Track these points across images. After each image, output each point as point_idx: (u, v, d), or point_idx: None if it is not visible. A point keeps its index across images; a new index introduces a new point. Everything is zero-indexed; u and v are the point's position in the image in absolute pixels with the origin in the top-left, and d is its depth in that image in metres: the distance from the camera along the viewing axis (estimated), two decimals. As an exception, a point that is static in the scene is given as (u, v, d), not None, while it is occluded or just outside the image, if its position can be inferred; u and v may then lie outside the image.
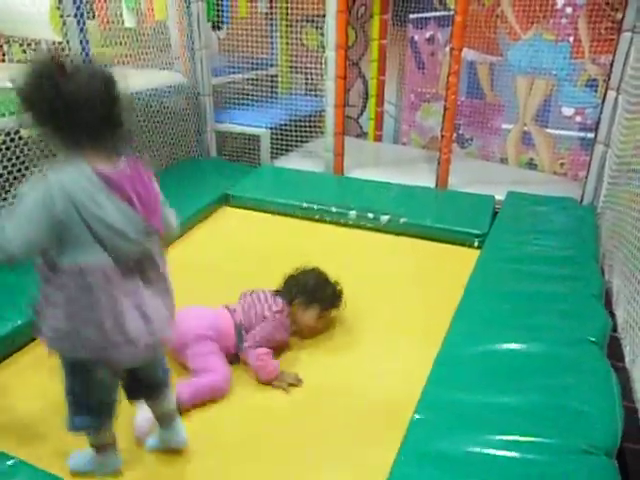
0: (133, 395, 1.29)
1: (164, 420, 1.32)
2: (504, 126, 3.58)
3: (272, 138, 3.52)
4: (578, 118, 3.28)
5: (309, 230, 2.80)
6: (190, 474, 1.36)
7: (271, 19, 3.80)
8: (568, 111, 3.30)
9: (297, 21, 3.94)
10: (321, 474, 1.35)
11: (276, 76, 4.01)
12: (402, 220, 2.71)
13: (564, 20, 3.16)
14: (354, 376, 1.70)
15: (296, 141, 3.52)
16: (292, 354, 1.78)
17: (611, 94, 2.61)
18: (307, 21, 3.95)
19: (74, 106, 0.98)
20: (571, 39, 3.17)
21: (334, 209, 2.84)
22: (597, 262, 2.19)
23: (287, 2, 3.50)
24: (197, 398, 1.53)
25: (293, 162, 3.51)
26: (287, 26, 3.94)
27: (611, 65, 2.62)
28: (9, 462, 1.25)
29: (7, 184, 2.16)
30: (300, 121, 3.48)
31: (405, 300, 2.13)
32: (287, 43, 3.96)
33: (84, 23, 2.45)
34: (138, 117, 2.96)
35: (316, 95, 3.66)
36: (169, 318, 1.16)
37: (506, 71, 3.44)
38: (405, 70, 3.90)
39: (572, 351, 1.56)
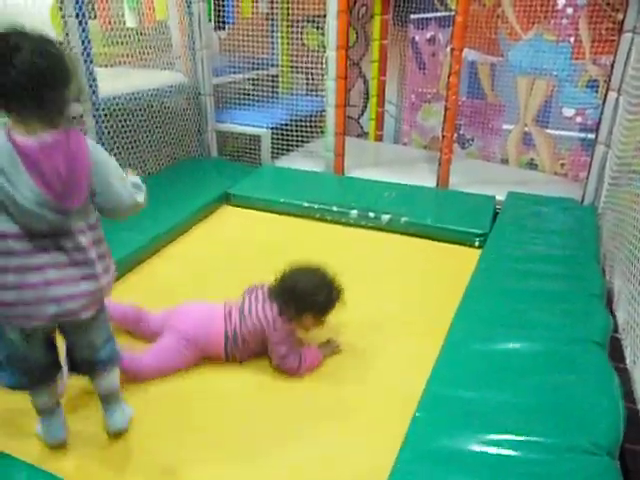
0: (72, 368, 1.32)
1: (103, 401, 1.35)
2: (505, 126, 3.58)
3: (273, 138, 3.52)
4: (579, 119, 3.28)
5: (310, 229, 2.80)
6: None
7: (272, 19, 3.80)
8: (569, 112, 3.31)
9: (298, 21, 3.94)
10: (322, 471, 1.35)
11: (277, 76, 4.01)
12: (403, 219, 2.71)
13: (565, 21, 3.16)
14: (355, 374, 1.70)
15: (297, 141, 3.52)
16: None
17: (612, 95, 2.61)
18: (308, 21, 3.95)
19: None
20: (572, 40, 3.17)
21: (335, 208, 2.84)
22: (598, 263, 2.20)
23: (288, 2, 3.51)
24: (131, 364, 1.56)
25: (294, 162, 3.51)
26: (288, 26, 3.94)
27: (612, 66, 2.62)
28: (5, 461, 1.25)
29: None
30: (301, 121, 3.49)
31: (407, 299, 2.13)
32: (288, 43, 3.96)
33: (85, 23, 2.44)
34: (139, 117, 2.96)
35: (317, 95, 3.66)
36: (85, 290, 1.16)
37: (507, 71, 3.44)
38: (406, 70, 3.90)
39: (574, 350, 1.56)
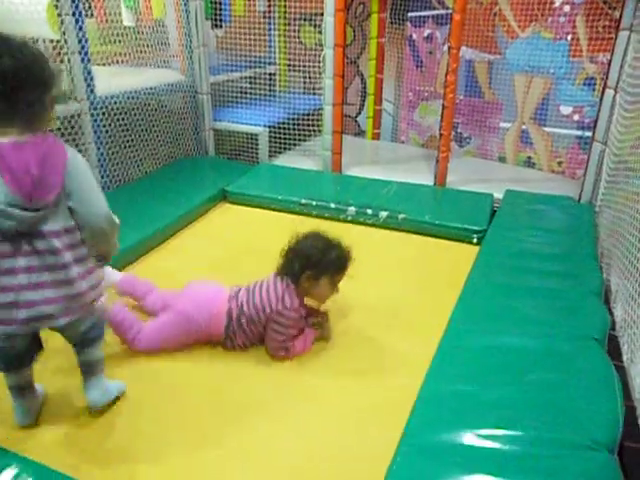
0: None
1: (82, 373, 1.36)
2: (502, 124, 3.58)
3: (270, 136, 3.52)
4: (576, 116, 3.29)
5: (307, 226, 2.79)
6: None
7: (269, 17, 3.80)
8: (566, 109, 3.31)
9: (295, 19, 3.94)
10: (320, 468, 1.35)
11: (274, 74, 4.01)
12: (401, 216, 2.71)
13: (562, 18, 3.16)
14: (353, 369, 1.70)
15: (294, 139, 3.52)
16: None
17: (609, 92, 2.62)
18: (305, 19, 3.95)
19: None
20: (569, 37, 3.18)
21: (332, 205, 2.84)
22: (596, 260, 2.20)
23: (285, 0, 3.50)
24: (112, 322, 1.59)
25: (291, 160, 3.51)
26: (285, 24, 3.93)
27: (609, 63, 2.62)
28: (6, 458, 1.25)
29: None
30: (298, 119, 3.48)
31: (405, 295, 2.14)
32: (285, 41, 3.96)
33: (82, 21, 2.44)
34: (136, 115, 2.95)
35: (314, 93, 3.66)
36: (60, 295, 1.15)
37: (504, 69, 3.45)
38: (403, 68, 3.90)
39: (573, 347, 1.57)
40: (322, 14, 2.97)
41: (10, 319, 1.13)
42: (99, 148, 2.68)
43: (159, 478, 1.30)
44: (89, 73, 2.53)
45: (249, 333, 1.70)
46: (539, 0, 3.19)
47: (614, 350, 1.69)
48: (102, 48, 2.85)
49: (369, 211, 2.77)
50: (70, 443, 1.36)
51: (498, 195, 2.94)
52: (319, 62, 3.15)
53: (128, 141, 2.93)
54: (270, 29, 3.86)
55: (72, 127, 2.53)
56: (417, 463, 1.21)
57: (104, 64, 2.92)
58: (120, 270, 2.17)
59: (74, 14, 2.39)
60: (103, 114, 2.68)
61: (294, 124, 3.48)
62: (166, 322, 1.68)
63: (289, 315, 1.66)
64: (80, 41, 2.45)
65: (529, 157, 3.55)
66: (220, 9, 3.38)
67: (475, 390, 1.42)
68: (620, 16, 2.54)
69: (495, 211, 2.77)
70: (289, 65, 3.96)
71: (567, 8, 3.13)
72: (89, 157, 2.62)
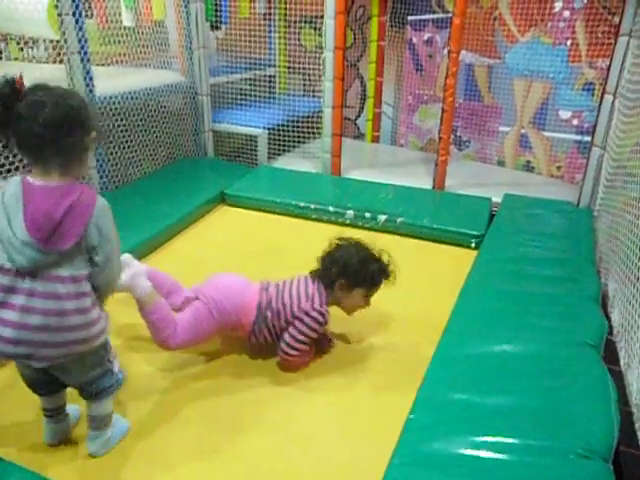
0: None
1: (88, 421, 1.36)
2: (501, 128, 3.59)
3: (269, 138, 3.52)
4: (575, 121, 3.30)
5: (306, 229, 2.80)
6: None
7: (269, 19, 3.80)
8: (565, 114, 3.32)
9: (295, 22, 3.94)
10: (316, 473, 1.35)
11: (274, 76, 4.01)
12: (399, 220, 2.71)
13: (562, 24, 3.17)
14: (349, 375, 1.70)
15: (293, 142, 3.52)
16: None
17: (608, 98, 2.62)
18: (305, 22, 3.95)
19: (18, 124, 1.09)
20: (568, 43, 3.18)
21: (331, 209, 2.84)
22: (594, 265, 2.20)
23: (286, 3, 3.50)
24: (149, 320, 1.57)
25: (290, 163, 3.51)
26: (285, 26, 3.94)
27: (608, 69, 2.63)
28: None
29: None
30: (298, 122, 3.48)
31: (402, 299, 2.12)
32: (285, 44, 3.96)
33: (82, 22, 2.44)
34: (135, 116, 2.95)
35: (314, 96, 3.66)
36: (45, 339, 1.15)
37: (504, 74, 3.45)
38: (403, 72, 3.91)
39: (569, 353, 1.56)
40: (322, 17, 2.98)
41: (6, 352, 1.16)
42: (98, 148, 2.68)
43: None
44: (88, 73, 2.53)
45: (271, 328, 1.66)
46: (539, 5, 3.19)
47: (611, 355, 1.69)
48: (102, 49, 2.85)
49: (367, 215, 2.77)
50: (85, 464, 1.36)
51: (497, 199, 2.95)
52: (319, 65, 3.15)
53: (127, 142, 2.93)
54: (270, 31, 3.86)
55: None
56: (412, 472, 1.20)
57: (104, 64, 2.92)
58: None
59: (74, 14, 2.39)
60: (102, 114, 2.68)
61: (293, 126, 3.48)
62: (197, 316, 1.62)
63: (315, 316, 1.62)
64: (80, 41, 2.45)
65: (528, 161, 3.55)
66: (220, 11, 3.38)
67: (469, 397, 1.41)
68: (619, 22, 2.54)
69: (494, 215, 2.77)
70: (289, 67, 3.97)
71: (567, 13, 3.14)
72: (88, 157, 2.61)
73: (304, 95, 3.93)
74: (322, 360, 1.76)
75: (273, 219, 2.91)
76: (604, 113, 2.65)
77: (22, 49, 3.01)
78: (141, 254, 2.37)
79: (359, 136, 4.25)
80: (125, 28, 2.86)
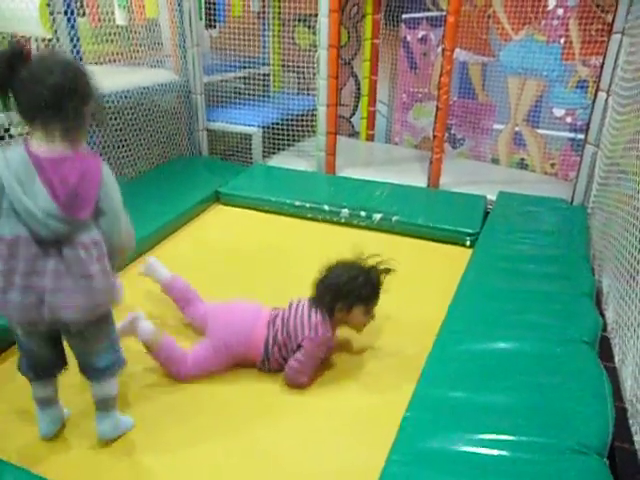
0: (81, 372, 1.36)
1: (95, 406, 1.39)
2: (495, 126, 3.60)
3: (264, 137, 3.52)
4: (569, 119, 3.31)
5: (301, 228, 2.80)
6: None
7: (263, 18, 3.79)
8: (559, 112, 3.33)
9: (289, 20, 3.93)
10: (313, 471, 1.35)
11: (268, 75, 4.00)
12: (394, 218, 2.71)
13: (555, 22, 3.18)
14: (344, 373, 1.70)
15: (288, 140, 3.52)
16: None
17: (601, 95, 2.63)
18: (299, 20, 3.95)
19: (25, 88, 1.12)
20: (562, 41, 3.19)
21: (326, 207, 2.84)
22: (588, 262, 2.21)
23: (280, 1, 3.50)
24: (159, 360, 1.61)
25: (285, 161, 3.50)
26: (279, 25, 3.93)
27: (601, 66, 2.64)
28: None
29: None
30: (292, 120, 3.48)
31: (397, 298, 2.11)
32: (279, 42, 3.95)
33: (74, 20, 2.42)
34: (129, 115, 2.94)
35: (308, 94, 3.66)
36: (77, 301, 1.19)
37: (498, 72, 3.46)
38: (397, 70, 3.91)
39: (564, 350, 1.57)
40: (316, 15, 2.97)
41: (30, 317, 1.19)
42: (92, 148, 2.66)
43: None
44: (81, 72, 2.51)
45: (278, 358, 1.66)
46: (533, 3, 3.20)
47: (606, 351, 1.70)
48: (94, 47, 2.83)
49: (363, 213, 2.77)
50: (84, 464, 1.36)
51: (491, 197, 2.95)
52: (313, 63, 3.15)
53: (121, 141, 2.91)
54: (264, 29, 3.86)
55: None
56: (408, 469, 1.21)
57: (97, 63, 2.90)
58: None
59: (66, 13, 2.37)
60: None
61: (288, 125, 3.47)
62: (207, 354, 1.64)
63: (320, 344, 1.62)
64: (72, 40, 2.43)
65: (522, 159, 3.56)
66: (214, 9, 3.37)
67: (465, 395, 1.42)
68: (612, 20, 2.55)
69: (488, 213, 2.78)
70: (283, 66, 3.96)
71: (560, 11, 3.15)
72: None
73: (298, 93, 3.92)
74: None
75: (268, 218, 2.91)
76: (597, 111, 2.66)
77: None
78: (134, 255, 2.37)
79: (354, 134, 4.25)
80: (118, 27, 2.85)
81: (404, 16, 3.74)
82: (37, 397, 1.38)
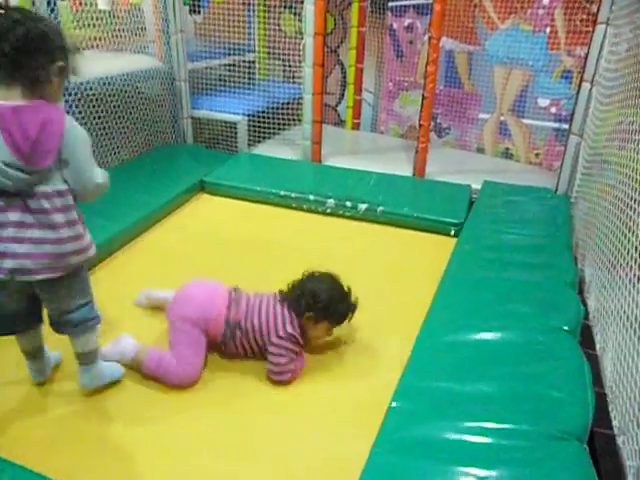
0: (53, 327, 1.39)
1: (76, 358, 1.45)
2: (481, 116, 3.60)
3: (249, 125, 3.48)
4: (553, 109, 3.32)
5: (286, 218, 2.79)
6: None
7: (249, 4, 3.74)
8: (544, 102, 3.34)
9: (275, 7, 3.89)
10: (297, 463, 1.36)
11: (253, 62, 3.96)
12: (380, 209, 2.71)
13: (541, 11, 3.18)
14: (329, 364, 1.71)
15: (274, 128, 3.49)
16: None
17: (585, 86, 2.65)
18: (285, 7, 3.90)
19: None
20: (548, 30, 3.20)
21: (312, 197, 2.83)
22: (571, 251, 2.24)
23: (265, -13, 3.45)
24: (154, 374, 1.57)
25: (270, 150, 3.48)
26: (265, 11, 3.88)
27: (586, 57, 2.65)
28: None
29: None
30: (278, 108, 3.45)
31: (382, 288, 2.14)
32: (265, 29, 3.91)
33: (55, 4, 2.37)
34: (112, 102, 2.89)
35: (294, 82, 3.63)
36: (44, 252, 1.21)
37: (484, 61, 3.46)
38: (384, 58, 3.89)
39: (546, 339, 1.59)
40: (302, 2, 2.94)
41: None
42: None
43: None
44: (62, 58, 2.46)
45: (239, 346, 1.65)
46: (519, -8, 3.20)
47: (587, 339, 1.73)
48: (76, 32, 2.77)
49: (348, 203, 2.77)
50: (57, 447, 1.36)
51: (476, 186, 2.97)
52: (299, 50, 3.12)
53: (103, 128, 2.87)
54: (250, 16, 3.81)
55: (45, 113, 2.46)
56: (393, 458, 1.22)
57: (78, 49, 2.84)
58: (95, 265, 2.13)
59: (46, -4, 2.32)
60: (78, 100, 2.62)
61: (274, 113, 3.44)
62: (178, 341, 1.60)
63: (288, 340, 1.61)
64: (53, 25, 2.38)
65: (507, 148, 3.58)
66: (198, -6, 3.32)
67: (450, 384, 1.43)
68: (597, 10, 2.56)
69: (473, 202, 2.79)
70: (269, 53, 3.92)
71: (546, 1, 3.15)
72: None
73: (284, 81, 3.89)
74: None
75: (253, 208, 2.89)
76: (581, 101, 2.68)
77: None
78: (117, 245, 2.35)
79: (339, 123, 4.23)
80: (100, 11, 2.79)
81: (390, 4, 3.71)
82: (23, 349, 1.45)
